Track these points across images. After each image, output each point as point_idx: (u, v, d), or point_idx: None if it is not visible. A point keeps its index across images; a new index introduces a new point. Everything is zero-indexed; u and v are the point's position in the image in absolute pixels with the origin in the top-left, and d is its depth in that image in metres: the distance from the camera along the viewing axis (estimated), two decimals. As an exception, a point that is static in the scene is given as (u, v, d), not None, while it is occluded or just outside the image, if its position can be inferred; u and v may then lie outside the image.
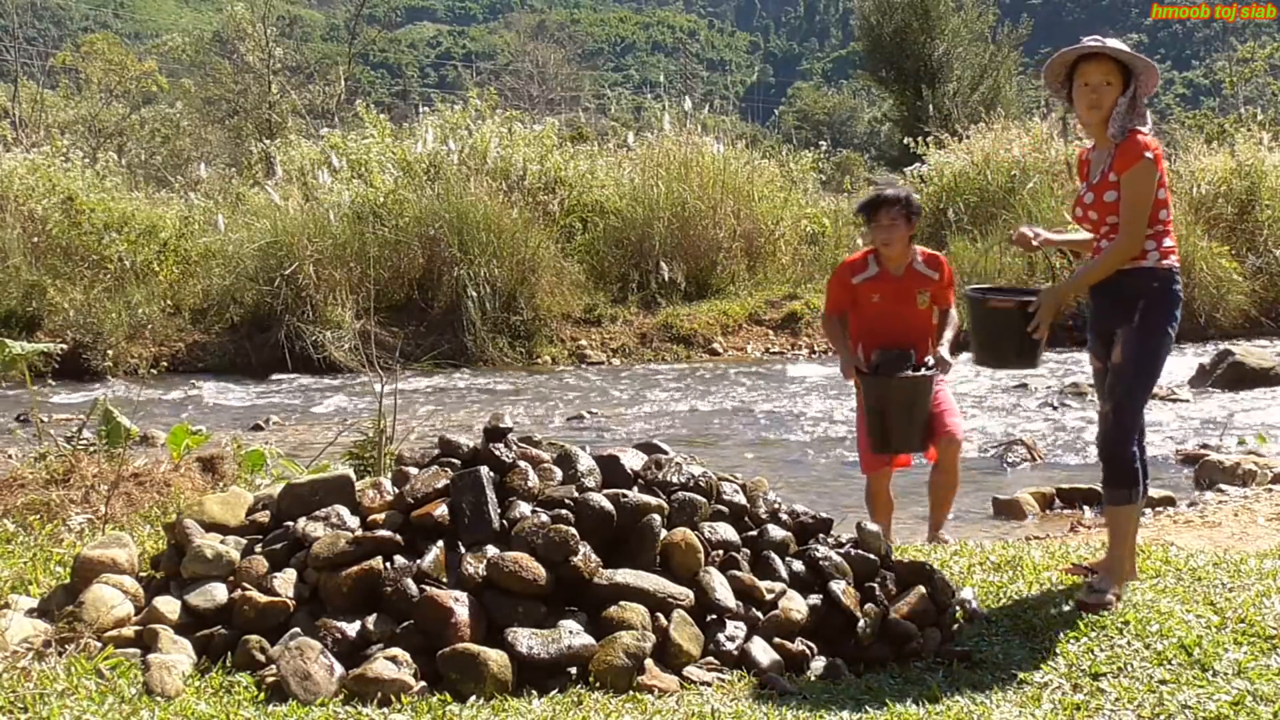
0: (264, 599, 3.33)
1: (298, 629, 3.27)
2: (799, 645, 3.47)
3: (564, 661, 3.19)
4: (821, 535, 3.86)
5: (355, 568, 3.36)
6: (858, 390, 5.35)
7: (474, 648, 3.14)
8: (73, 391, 10.87)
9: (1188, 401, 9.67)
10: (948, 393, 5.38)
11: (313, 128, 21.33)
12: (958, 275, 6.33)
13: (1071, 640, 3.59)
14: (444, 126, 15.47)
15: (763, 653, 3.38)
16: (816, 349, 13.89)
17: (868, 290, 5.28)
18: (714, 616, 3.44)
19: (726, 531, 3.67)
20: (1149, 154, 3.82)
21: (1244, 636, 3.55)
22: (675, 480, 3.73)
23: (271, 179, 15.25)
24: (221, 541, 3.59)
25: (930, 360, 5.23)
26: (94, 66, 30.20)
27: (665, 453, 3.92)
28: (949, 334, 5.35)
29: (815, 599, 3.61)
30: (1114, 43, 3.91)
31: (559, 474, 3.70)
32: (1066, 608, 3.84)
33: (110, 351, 12.67)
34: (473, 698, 3.06)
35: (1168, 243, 3.92)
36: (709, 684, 3.23)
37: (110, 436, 5.52)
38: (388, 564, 3.38)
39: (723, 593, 3.45)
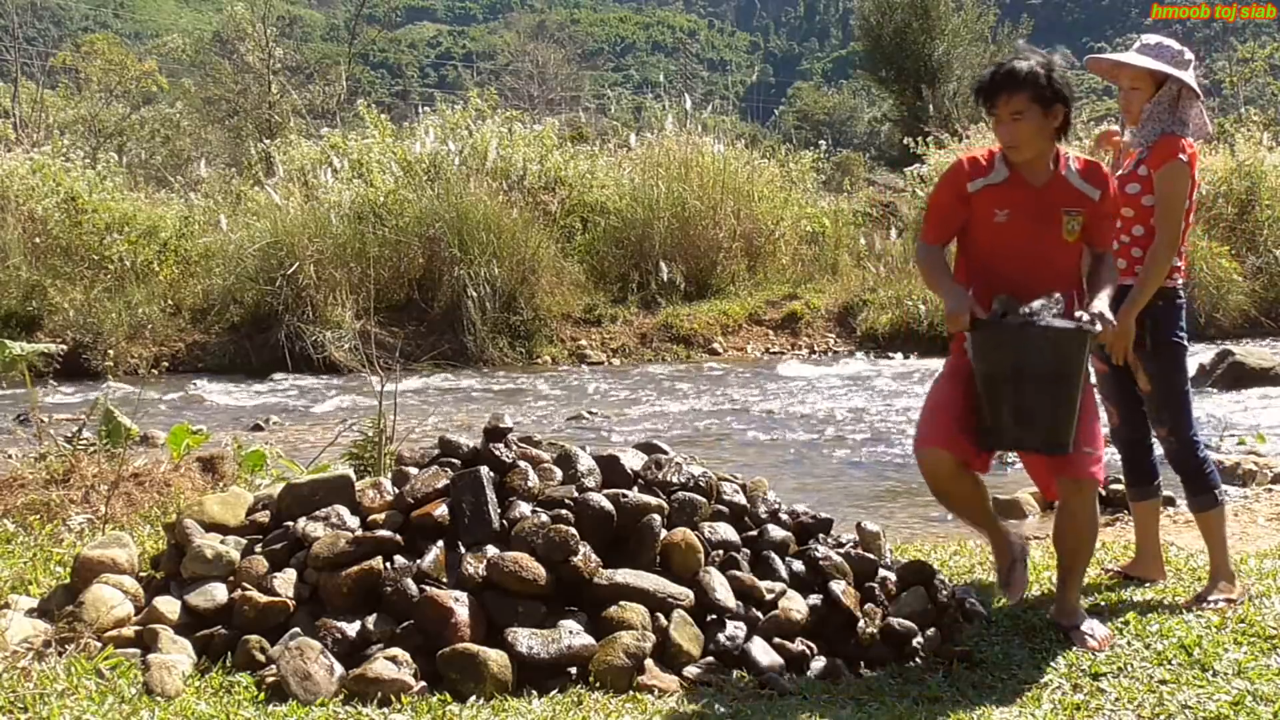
0: (264, 599, 3.33)
1: (298, 629, 3.27)
2: (799, 645, 3.47)
3: (564, 661, 3.19)
4: (821, 535, 3.86)
5: (355, 568, 3.36)
6: (953, 351, 3.78)
7: (474, 648, 3.14)
8: (73, 391, 10.86)
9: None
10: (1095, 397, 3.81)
11: (313, 128, 21.32)
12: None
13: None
14: (444, 126, 15.46)
15: (763, 653, 3.38)
16: (816, 349, 13.88)
17: (989, 202, 3.60)
18: (714, 616, 3.44)
19: (726, 531, 3.67)
20: (1184, 155, 3.83)
21: (1244, 636, 3.55)
22: (675, 480, 3.73)
23: (272, 179, 15.23)
24: (221, 541, 3.60)
25: (1084, 316, 3.48)
26: (94, 66, 30.23)
27: (665, 453, 3.92)
28: (1108, 289, 3.63)
29: (815, 599, 3.61)
30: (1130, 55, 3.92)
31: (559, 474, 3.70)
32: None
33: (110, 351, 12.64)
34: (473, 698, 3.06)
35: (1175, 261, 3.90)
36: (709, 684, 3.23)
37: (110, 436, 5.51)
38: (388, 564, 3.38)
39: (723, 593, 3.45)
